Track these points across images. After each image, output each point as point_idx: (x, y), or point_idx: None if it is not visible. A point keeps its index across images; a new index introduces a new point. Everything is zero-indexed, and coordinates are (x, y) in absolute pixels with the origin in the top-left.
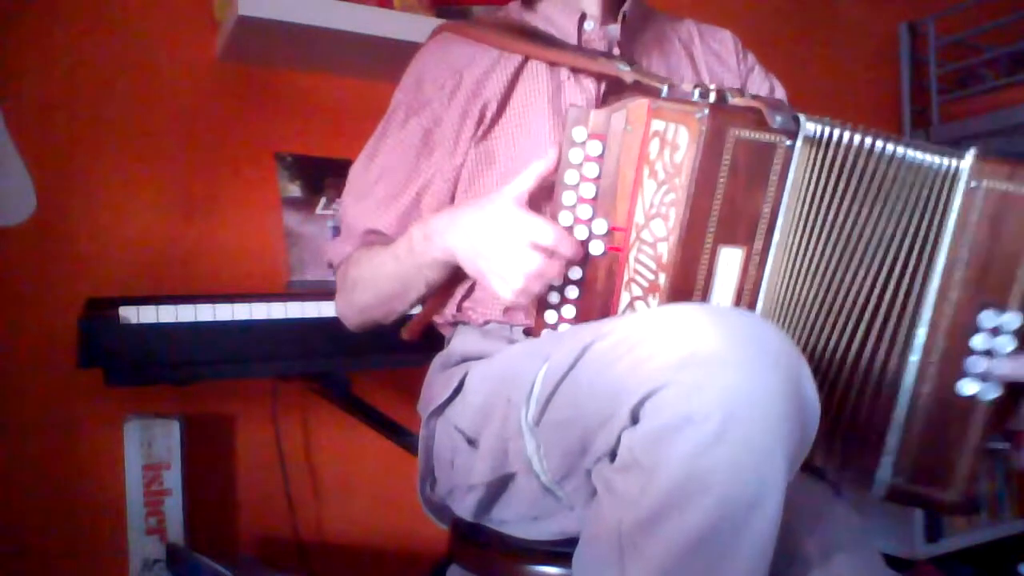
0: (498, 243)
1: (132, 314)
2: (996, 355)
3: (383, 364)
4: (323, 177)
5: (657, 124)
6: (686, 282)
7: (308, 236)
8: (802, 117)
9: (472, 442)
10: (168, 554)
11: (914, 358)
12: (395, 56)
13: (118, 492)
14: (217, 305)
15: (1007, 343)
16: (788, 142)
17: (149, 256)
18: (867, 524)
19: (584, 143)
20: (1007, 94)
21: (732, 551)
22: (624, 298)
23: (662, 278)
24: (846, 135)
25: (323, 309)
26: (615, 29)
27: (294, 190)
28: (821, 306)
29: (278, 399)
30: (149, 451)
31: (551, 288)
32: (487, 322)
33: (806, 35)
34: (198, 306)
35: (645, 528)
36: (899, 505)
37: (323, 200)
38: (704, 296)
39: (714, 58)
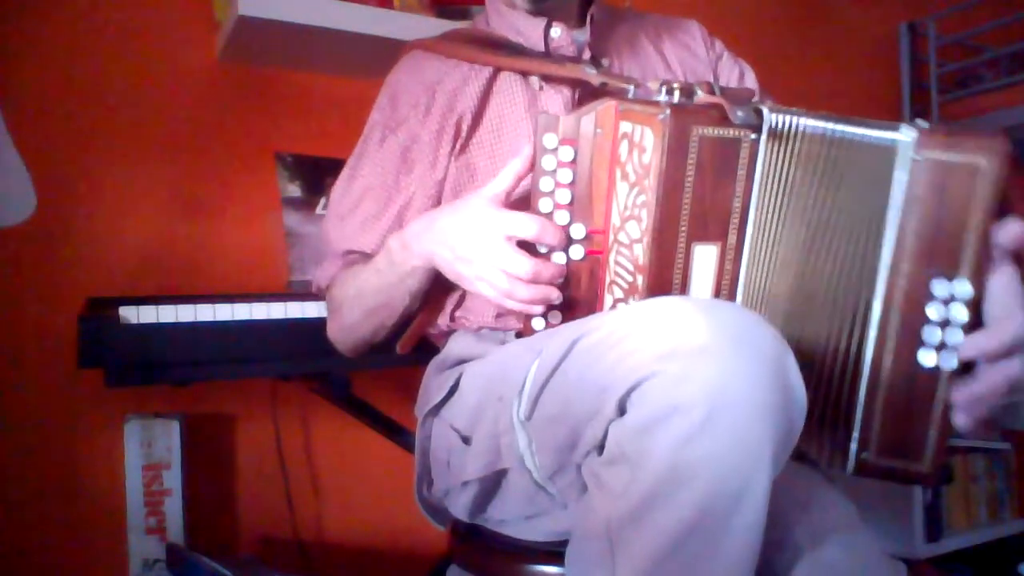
0: (473, 243)
1: (132, 314)
2: (952, 324)
3: (383, 364)
4: (323, 177)
5: (625, 126)
6: (663, 282)
7: (308, 236)
8: (765, 109)
9: (467, 440)
10: (168, 554)
11: (872, 332)
12: (395, 56)
13: (118, 492)
14: (217, 305)
15: (961, 313)
16: (753, 136)
17: (149, 256)
18: (864, 517)
19: (556, 149)
20: (1007, 94)
21: (719, 543)
22: (608, 300)
23: (640, 280)
24: (808, 123)
25: (323, 309)
26: (583, 34)
27: (294, 190)
28: (795, 295)
29: (278, 399)
30: (149, 451)
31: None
32: (480, 328)
33: (806, 35)
34: (198, 306)
35: (632, 521)
36: (871, 479)
37: (323, 200)
38: (682, 294)
39: (684, 51)
